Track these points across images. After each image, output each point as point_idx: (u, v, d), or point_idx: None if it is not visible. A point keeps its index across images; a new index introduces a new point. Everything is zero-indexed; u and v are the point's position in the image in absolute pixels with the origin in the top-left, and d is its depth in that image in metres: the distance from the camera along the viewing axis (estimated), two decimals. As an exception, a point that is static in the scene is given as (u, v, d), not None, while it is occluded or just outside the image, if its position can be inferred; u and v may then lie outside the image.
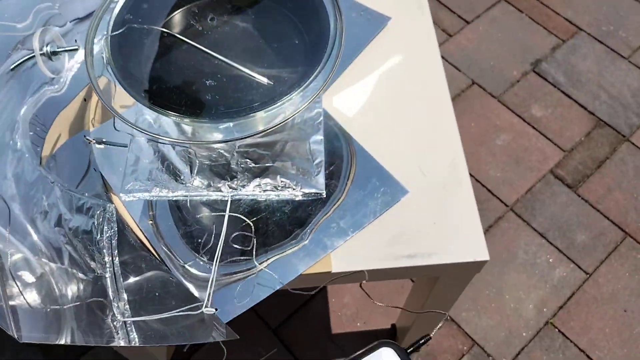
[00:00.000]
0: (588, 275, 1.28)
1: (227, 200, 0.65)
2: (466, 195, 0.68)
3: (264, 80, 0.61)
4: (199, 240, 0.64)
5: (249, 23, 0.63)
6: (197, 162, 0.66)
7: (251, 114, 0.58)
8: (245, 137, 0.60)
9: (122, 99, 0.64)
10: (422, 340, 0.52)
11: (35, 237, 0.67)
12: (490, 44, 1.65)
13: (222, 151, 0.66)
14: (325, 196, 0.67)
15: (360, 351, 0.48)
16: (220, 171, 0.66)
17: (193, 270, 0.63)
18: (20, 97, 0.67)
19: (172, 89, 0.59)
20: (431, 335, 0.52)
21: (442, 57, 1.60)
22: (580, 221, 1.35)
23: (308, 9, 0.63)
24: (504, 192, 1.39)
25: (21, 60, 0.67)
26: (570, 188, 1.40)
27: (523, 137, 1.48)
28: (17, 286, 0.62)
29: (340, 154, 0.71)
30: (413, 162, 0.70)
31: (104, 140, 0.68)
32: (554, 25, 1.70)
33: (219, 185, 0.65)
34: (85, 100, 0.70)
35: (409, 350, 0.50)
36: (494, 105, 1.53)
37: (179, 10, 0.61)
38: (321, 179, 0.67)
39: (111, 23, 0.58)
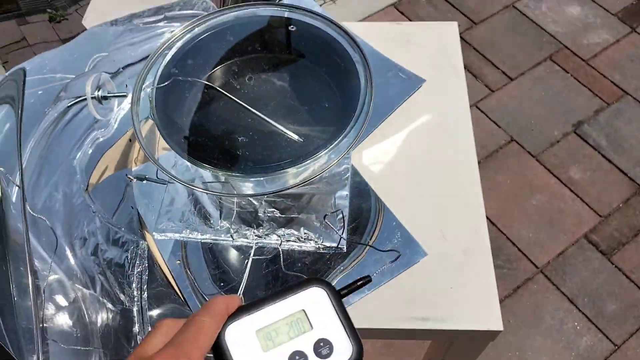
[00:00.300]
0: (616, 347, 1.25)
1: (252, 247, 0.68)
2: (485, 263, 0.69)
3: (295, 137, 0.64)
4: (224, 281, 0.67)
5: (284, 81, 0.67)
6: (227, 207, 0.70)
7: (281, 171, 0.61)
8: (274, 192, 0.63)
9: (164, 141, 0.69)
10: (360, 282, 0.44)
11: (72, 261, 0.71)
12: (533, 102, 1.66)
13: (251, 199, 0.69)
14: (345, 251, 0.69)
15: (290, 285, 0.41)
16: (248, 218, 0.69)
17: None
18: (72, 143, 0.72)
19: (209, 141, 0.63)
20: (372, 277, 0.44)
21: (483, 112, 1.62)
22: (612, 290, 1.32)
23: (341, 70, 0.67)
24: (535, 253, 1.37)
25: (76, 101, 0.72)
26: (604, 255, 1.38)
27: (559, 198, 1.46)
28: (51, 308, 0.66)
29: (364, 211, 0.73)
30: (435, 225, 0.72)
31: (144, 176, 0.73)
32: (599, 87, 1.69)
33: (246, 231, 0.69)
34: (130, 140, 0.75)
35: (342, 292, 0.42)
36: (531, 164, 1.52)
37: (219, 67, 0.66)
38: (343, 234, 0.69)
39: (158, 75, 0.63)
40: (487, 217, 1.45)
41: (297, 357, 0.38)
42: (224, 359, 0.37)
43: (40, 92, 0.74)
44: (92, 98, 0.67)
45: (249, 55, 0.68)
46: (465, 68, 1.67)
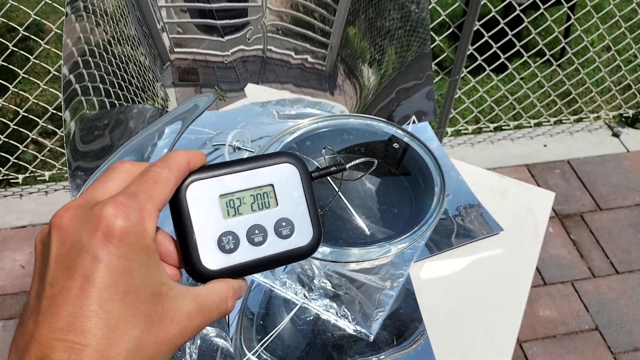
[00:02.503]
0: None
1: (297, 304, 0.80)
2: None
3: (365, 228, 0.77)
4: (264, 321, 0.79)
5: (373, 184, 0.81)
6: (292, 265, 0.83)
7: (346, 247, 0.73)
8: (336, 262, 0.75)
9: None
10: (334, 168, 0.43)
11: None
12: (632, 302, 1.61)
13: (314, 266, 0.82)
14: (371, 340, 0.78)
15: (261, 155, 0.38)
16: (304, 280, 0.82)
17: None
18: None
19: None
20: (347, 166, 0.44)
21: (576, 291, 1.61)
22: None
23: (421, 190, 0.79)
24: None
25: (219, 144, 0.92)
26: None
27: (626, 406, 1.39)
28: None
29: (402, 316, 0.82)
30: (459, 353, 0.78)
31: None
32: None
33: (298, 289, 0.81)
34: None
35: (314, 175, 0.40)
36: (607, 359, 1.47)
37: (329, 155, 0.81)
38: (375, 326, 0.78)
39: (281, 145, 0.80)
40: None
41: (256, 231, 0.36)
42: (181, 218, 0.35)
43: (193, 138, 0.95)
44: (229, 145, 0.86)
45: (354, 153, 0.83)
46: (573, 244, 1.70)
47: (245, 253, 0.36)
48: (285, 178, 0.38)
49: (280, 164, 0.38)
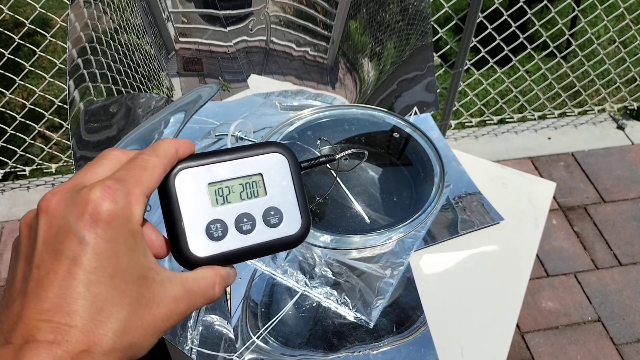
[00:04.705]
0: None
1: (299, 292, 0.81)
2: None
3: (365, 217, 0.78)
4: (267, 307, 0.80)
5: (375, 173, 0.82)
6: (293, 253, 0.84)
7: (347, 235, 0.74)
8: (337, 249, 0.76)
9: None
10: (323, 159, 0.43)
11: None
12: (635, 294, 1.62)
13: (315, 254, 0.83)
14: (371, 327, 0.79)
15: (251, 145, 0.38)
16: (305, 268, 0.83)
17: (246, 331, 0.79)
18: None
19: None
20: (336, 157, 0.44)
21: (579, 283, 1.62)
22: None
23: (421, 179, 0.80)
24: None
25: (222, 134, 0.93)
26: None
27: (628, 396, 1.40)
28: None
29: (402, 304, 0.83)
30: (459, 341, 0.79)
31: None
32: None
33: (299, 277, 0.82)
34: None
35: (303, 165, 0.41)
36: (609, 350, 1.48)
37: (324, 146, 0.82)
38: (375, 313, 0.79)
39: (282, 135, 0.81)
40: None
41: (244, 220, 0.37)
42: (170, 205, 0.35)
43: (197, 128, 0.96)
44: (232, 135, 0.87)
45: (355, 143, 0.84)
46: (576, 236, 1.70)
47: (233, 241, 0.36)
48: (274, 167, 0.38)
49: (270, 154, 0.38)
